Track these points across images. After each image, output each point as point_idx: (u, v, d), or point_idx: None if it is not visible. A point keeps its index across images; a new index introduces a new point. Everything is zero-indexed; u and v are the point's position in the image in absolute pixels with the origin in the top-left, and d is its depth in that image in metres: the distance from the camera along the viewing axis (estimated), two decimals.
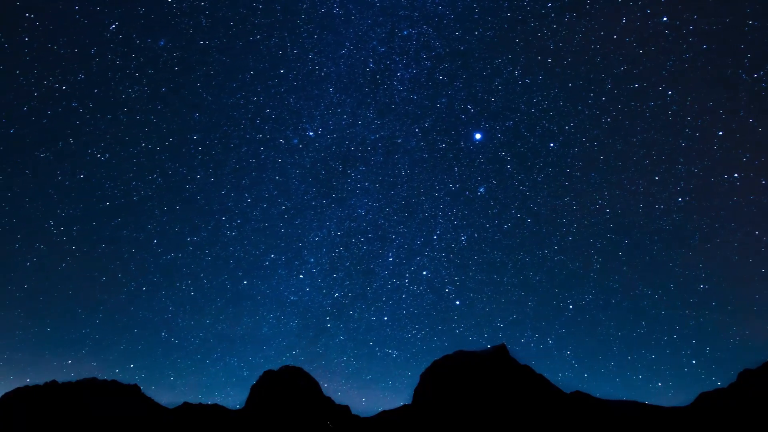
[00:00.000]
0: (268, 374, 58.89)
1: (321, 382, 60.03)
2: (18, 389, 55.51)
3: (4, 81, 66.48)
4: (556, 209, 74.64)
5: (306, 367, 61.91)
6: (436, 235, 77.21)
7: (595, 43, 67.73)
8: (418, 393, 56.58)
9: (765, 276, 65.15)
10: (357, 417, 58.16)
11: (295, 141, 76.43)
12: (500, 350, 57.21)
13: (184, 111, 73.97)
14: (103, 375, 65.11)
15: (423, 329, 76.18)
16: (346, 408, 58.37)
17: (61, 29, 66.79)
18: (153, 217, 74.95)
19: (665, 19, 62.83)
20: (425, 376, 56.98)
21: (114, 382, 57.79)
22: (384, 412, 58.22)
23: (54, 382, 56.59)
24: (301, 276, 76.65)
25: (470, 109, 74.62)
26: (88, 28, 67.57)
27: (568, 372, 73.38)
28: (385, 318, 76.67)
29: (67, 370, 74.31)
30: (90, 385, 56.82)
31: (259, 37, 72.06)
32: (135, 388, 57.89)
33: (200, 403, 58.81)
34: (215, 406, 58.59)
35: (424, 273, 76.83)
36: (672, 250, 72.23)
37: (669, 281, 73.05)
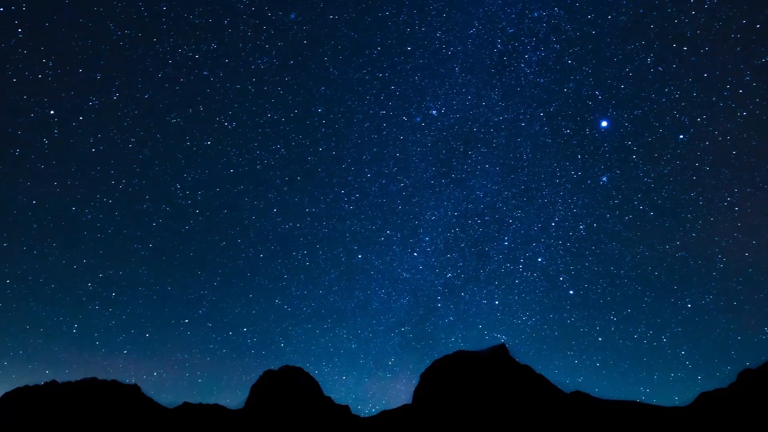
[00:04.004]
0: (267, 374, 58.90)
1: (424, 359, 59.09)
2: (18, 389, 55.55)
3: (142, 49, 69.50)
4: (681, 204, 71.53)
5: (414, 345, 61.48)
6: (554, 222, 75.49)
7: (736, 32, 63.83)
8: (418, 393, 56.51)
9: None
10: (357, 417, 58.19)
11: (418, 119, 76.66)
12: (500, 350, 57.14)
13: (310, 84, 75.22)
14: (217, 336, 69.90)
15: (534, 316, 75.33)
16: (346, 408, 58.37)
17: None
18: (274, 187, 77.02)
19: None
20: (425, 376, 56.90)
21: (114, 382, 57.79)
22: (384, 412, 58.30)
23: (54, 382, 56.62)
24: (415, 254, 77.32)
25: (598, 95, 72.16)
26: None
27: (680, 372, 71.04)
28: (496, 302, 76.07)
29: (183, 329, 76.37)
30: (90, 385, 56.84)
31: (387, 14, 72.11)
32: (135, 387, 57.91)
33: (200, 403, 58.93)
34: (215, 406, 58.71)
35: (539, 260, 75.75)
36: None
37: None
